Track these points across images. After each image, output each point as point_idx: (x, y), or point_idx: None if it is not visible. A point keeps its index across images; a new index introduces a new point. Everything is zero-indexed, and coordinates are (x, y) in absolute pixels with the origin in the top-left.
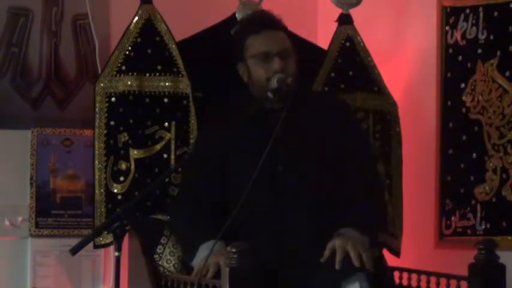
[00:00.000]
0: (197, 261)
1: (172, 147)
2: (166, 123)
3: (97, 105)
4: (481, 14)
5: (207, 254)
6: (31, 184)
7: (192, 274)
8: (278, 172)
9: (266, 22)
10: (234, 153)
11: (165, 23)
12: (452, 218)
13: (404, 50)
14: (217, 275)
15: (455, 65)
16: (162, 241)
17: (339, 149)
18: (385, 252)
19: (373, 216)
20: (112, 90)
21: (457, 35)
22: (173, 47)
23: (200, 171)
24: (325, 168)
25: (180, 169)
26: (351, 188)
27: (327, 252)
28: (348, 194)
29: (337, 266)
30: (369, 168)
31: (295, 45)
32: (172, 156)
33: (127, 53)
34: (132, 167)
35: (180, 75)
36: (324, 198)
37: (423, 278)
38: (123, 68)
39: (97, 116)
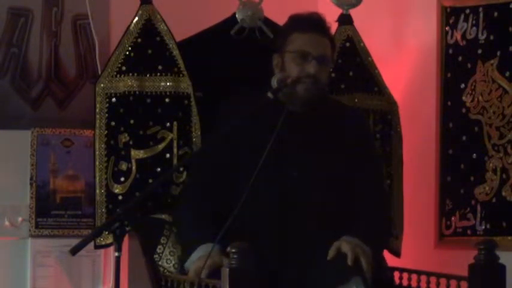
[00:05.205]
0: (189, 263)
1: (175, 147)
2: (168, 123)
3: (97, 105)
4: (481, 15)
5: (201, 255)
6: (31, 184)
7: (188, 274)
8: (291, 177)
9: (317, 25)
10: (248, 155)
11: (165, 23)
12: (453, 218)
13: (405, 50)
14: (211, 276)
15: (455, 65)
16: (162, 241)
17: (352, 163)
18: (385, 252)
19: (381, 237)
20: (112, 91)
21: (457, 35)
22: (173, 46)
23: (209, 171)
24: (336, 178)
25: (181, 169)
26: (359, 204)
27: (332, 252)
28: (357, 209)
29: (350, 263)
30: (378, 186)
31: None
32: (175, 156)
33: (127, 53)
34: (133, 167)
35: (181, 75)
36: (333, 207)
37: (423, 278)
38: (124, 68)
39: (97, 116)
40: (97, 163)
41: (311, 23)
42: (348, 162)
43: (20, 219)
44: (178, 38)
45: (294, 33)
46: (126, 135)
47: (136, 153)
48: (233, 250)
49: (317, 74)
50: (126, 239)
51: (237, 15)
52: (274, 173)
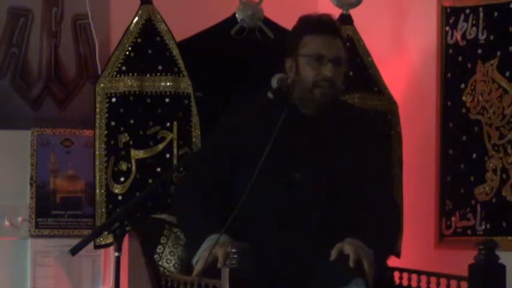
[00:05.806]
0: (200, 252)
1: (175, 147)
2: (168, 123)
3: (97, 105)
4: (481, 14)
5: (211, 244)
6: (31, 184)
7: (198, 264)
8: (295, 179)
9: (328, 26)
10: (250, 156)
11: (165, 23)
12: (453, 218)
13: (405, 50)
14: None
15: (455, 65)
16: (162, 241)
17: (360, 169)
18: None
19: (384, 240)
20: (112, 91)
21: (457, 35)
22: (173, 46)
23: (211, 164)
24: (342, 183)
25: (181, 169)
26: (364, 208)
27: (334, 253)
28: (361, 213)
29: (352, 265)
30: (385, 190)
31: (347, 58)
32: (175, 156)
33: (127, 53)
34: (133, 167)
35: (181, 75)
36: (336, 211)
37: (423, 278)
38: (124, 68)
39: (97, 116)
40: (97, 163)
41: (323, 24)
42: (355, 165)
43: (20, 219)
44: (178, 38)
45: (306, 36)
46: (126, 135)
47: (136, 153)
48: (233, 250)
49: (333, 76)
50: (126, 239)
51: (237, 15)
52: (277, 175)
